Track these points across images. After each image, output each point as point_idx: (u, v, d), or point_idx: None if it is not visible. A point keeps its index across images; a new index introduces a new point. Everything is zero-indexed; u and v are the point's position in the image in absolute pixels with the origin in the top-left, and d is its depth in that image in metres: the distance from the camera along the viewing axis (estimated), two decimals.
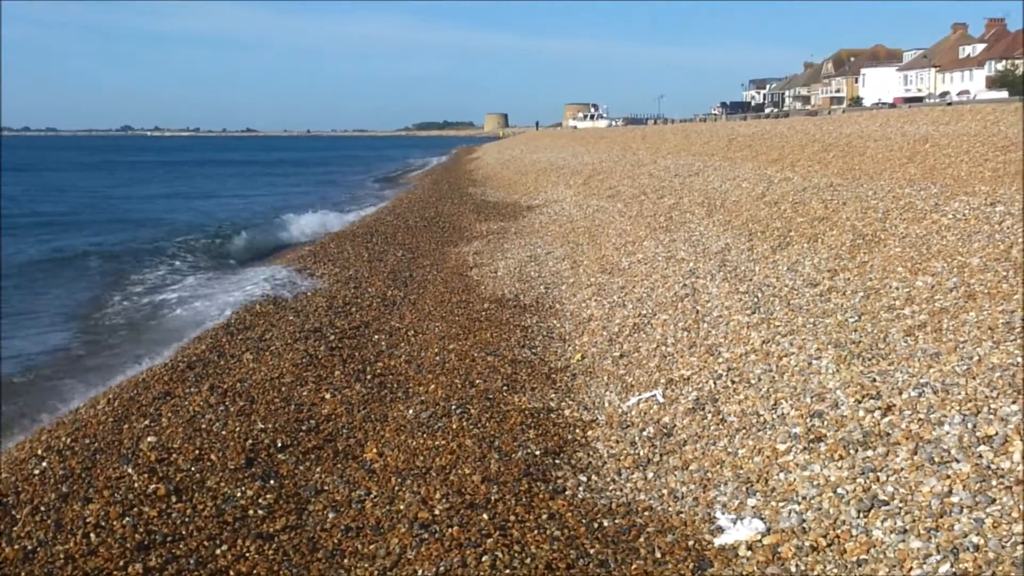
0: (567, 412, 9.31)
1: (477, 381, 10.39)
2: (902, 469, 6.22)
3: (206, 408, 9.60)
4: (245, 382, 10.52)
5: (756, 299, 11.02)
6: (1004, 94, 65.29)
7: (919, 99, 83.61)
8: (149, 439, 8.68)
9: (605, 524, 6.75)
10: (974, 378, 7.04)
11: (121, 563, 6.31)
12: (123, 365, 12.50)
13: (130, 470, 7.92)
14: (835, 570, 5.60)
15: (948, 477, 5.93)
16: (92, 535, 6.70)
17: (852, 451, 6.65)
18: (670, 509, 6.91)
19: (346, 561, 6.41)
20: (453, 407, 9.49)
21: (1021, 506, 5.42)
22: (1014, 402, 6.47)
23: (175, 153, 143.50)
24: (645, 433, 8.37)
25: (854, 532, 5.85)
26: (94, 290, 19.73)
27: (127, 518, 6.97)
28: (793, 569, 5.75)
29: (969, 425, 6.38)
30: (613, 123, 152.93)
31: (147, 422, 9.22)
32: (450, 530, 6.63)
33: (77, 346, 14.39)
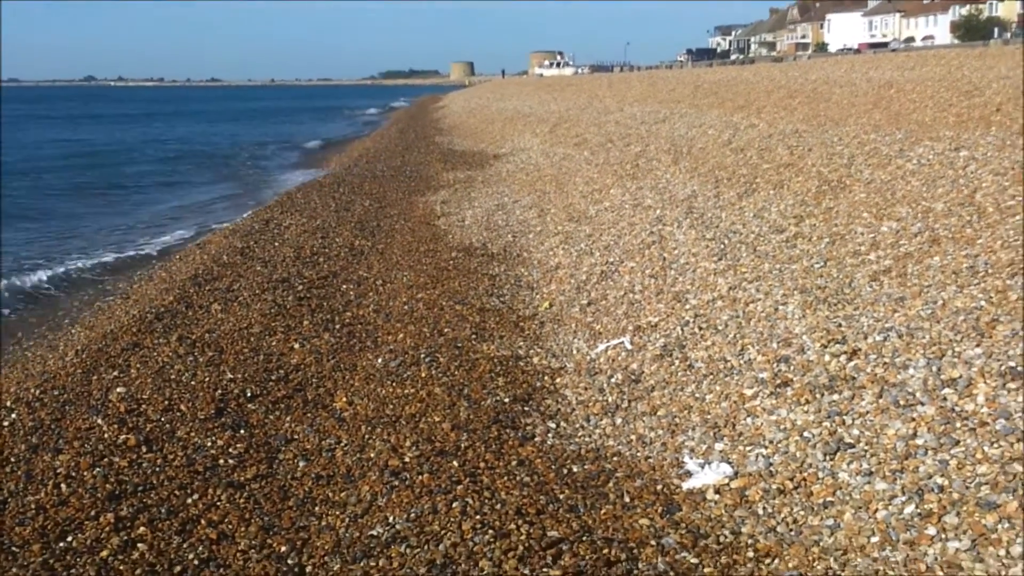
0: (535, 360, 9.35)
1: (446, 330, 10.41)
2: (867, 412, 6.29)
3: (175, 359, 9.59)
4: (214, 332, 10.50)
5: (723, 246, 11.06)
6: None
7: (884, 44, 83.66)
8: (118, 390, 8.66)
9: (574, 470, 6.80)
10: (938, 322, 7.11)
11: (92, 513, 6.31)
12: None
13: (100, 421, 7.91)
14: (802, 512, 5.67)
15: (913, 420, 6.00)
16: (63, 485, 6.69)
17: (818, 395, 6.72)
18: (638, 454, 6.96)
19: (317, 509, 6.43)
20: (422, 356, 9.51)
21: (985, 447, 5.50)
22: (978, 345, 6.55)
23: (154, 105, 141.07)
24: (613, 380, 8.42)
25: (820, 475, 5.92)
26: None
27: (97, 468, 6.96)
28: (760, 512, 5.82)
29: (933, 368, 6.45)
30: (579, 71, 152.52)
31: (116, 373, 9.20)
32: (420, 477, 6.66)
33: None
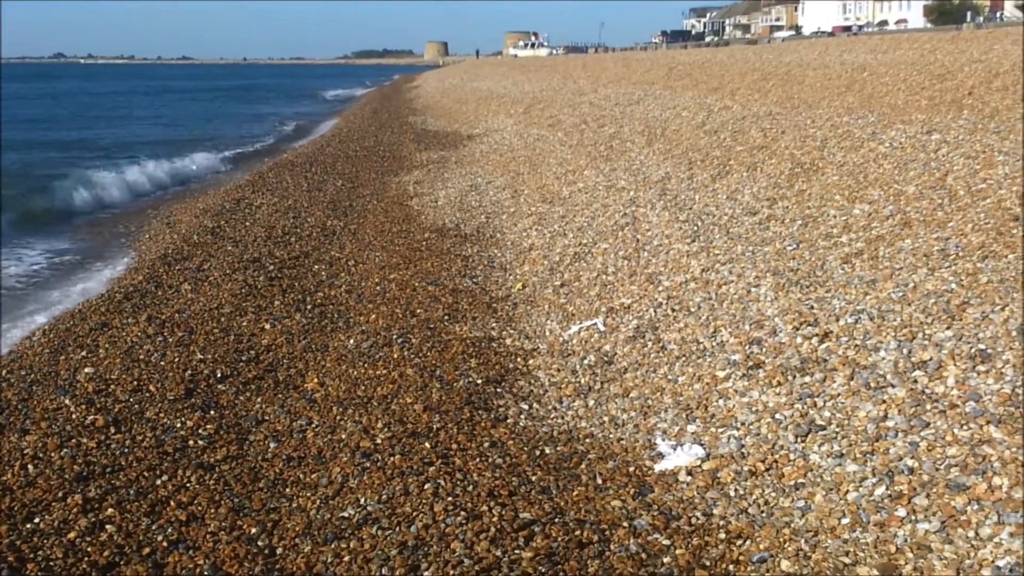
0: (508, 341, 9.33)
1: (418, 311, 10.38)
2: (839, 394, 6.31)
3: (144, 339, 9.52)
4: (183, 313, 10.43)
5: (696, 228, 11.06)
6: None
7: (858, 27, 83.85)
8: (86, 370, 8.59)
9: (547, 451, 6.80)
10: (909, 304, 7.13)
11: (60, 494, 6.25)
12: None
13: (67, 401, 7.84)
14: (773, 494, 5.69)
15: (884, 402, 6.02)
16: (30, 466, 6.63)
17: (790, 377, 6.73)
18: (611, 436, 6.96)
19: (288, 490, 6.40)
20: (394, 337, 9.48)
21: (955, 430, 5.52)
22: (948, 328, 6.57)
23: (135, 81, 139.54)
24: (586, 361, 8.42)
25: (792, 456, 5.93)
26: None
27: (65, 449, 6.90)
28: (732, 493, 5.83)
29: (904, 351, 6.47)
30: (554, 51, 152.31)
31: (84, 353, 9.13)
32: (392, 459, 6.64)
33: None
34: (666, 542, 5.40)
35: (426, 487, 6.16)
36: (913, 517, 5.04)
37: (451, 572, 5.21)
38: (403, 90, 75.18)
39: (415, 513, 5.84)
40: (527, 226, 14.03)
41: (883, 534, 5.01)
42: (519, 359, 8.83)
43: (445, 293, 11.06)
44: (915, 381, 6.12)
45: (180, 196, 21.79)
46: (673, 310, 8.83)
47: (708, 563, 5.18)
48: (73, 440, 7.09)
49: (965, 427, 5.51)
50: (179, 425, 7.45)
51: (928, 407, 5.82)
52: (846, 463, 5.65)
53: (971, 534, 4.77)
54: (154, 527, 5.91)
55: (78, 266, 14.69)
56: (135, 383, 8.29)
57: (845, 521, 5.22)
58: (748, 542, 5.30)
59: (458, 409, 7.60)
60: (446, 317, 10.12)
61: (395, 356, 8.93)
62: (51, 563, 5.50)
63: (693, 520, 5.63)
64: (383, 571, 5.29)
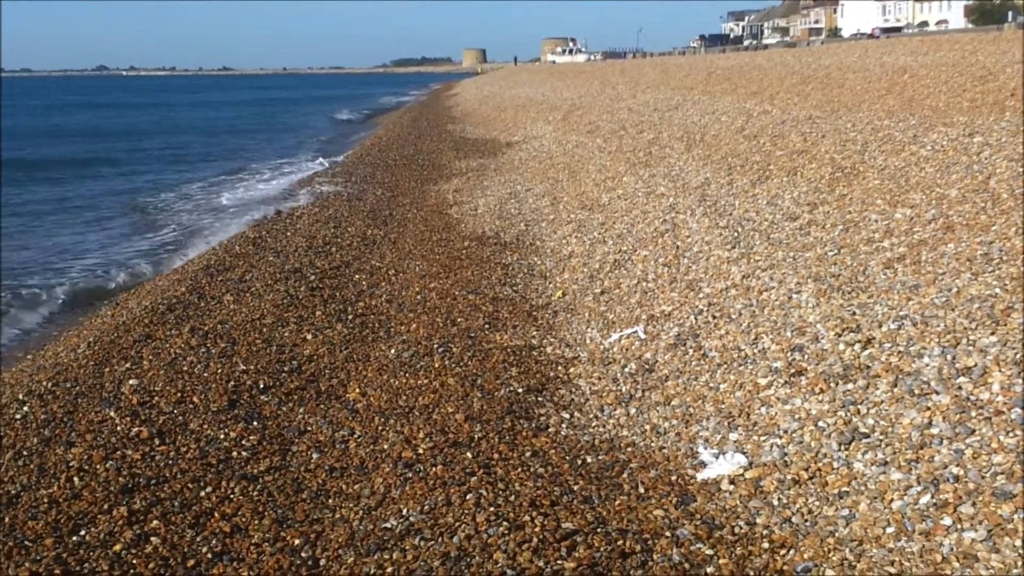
0: (549, 349, 9.33)
1: (459, 319, 10.39)
2: (882, 402, 6.26)
3: (187, 350, 9.59)
4: (226, 324, 10.50)
5: (736, 234, 11.01)
6: None
7: (897, 29, 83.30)
8: (131, 382, 8.67)
9: (588, 460, 6.79)
10: (953, 310, 7.07)
11: (105, 506, 6.31)
12: None
13: (112, 413, 7.91)
14: (816, 503, 5.65)
15: (928, 409, 5.97)
16: (76, 479, 6.70)
17: (832, 384, 6.69)
18: (652, 444, 6.94)
19: (331, 501, 6.44)
20: (435, 346, 9.50)
21: (1000, 436, 5.47)
22: (992, 333, 6.50)
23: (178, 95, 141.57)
24: (627, 369, 8.40)
25: (835, 465, 5.89)
26: None
27: (110, 461, 6.97)
28: (775, 502, 5.80)
29: (948, 357, 6.41)
30: (592, 57, 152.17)
31: (128, 365, 9.21)
32: (434, 469, 6.65)
33: None
34: (709, 552, 5.38)
35: (468, 497, 6.16)
36: (959, 526, 4.99)
37: None
38: (442, 98, 75.40)
39: (457, 524, 5.84)
40: (566, 233, 14.03)
41: (929, 543, 4.96)
42: (560, 367, 8.82)
43: (485, 302, 11.08)
44: (959, 388, 6.06)
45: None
46: (714, 317, 8.80)
47: (752, 573, 5.15)
48: (118, 452, 7.15)
49: (1011, 434, 5.45)
50: (222, 436, 7.50)
51: (973, 414, 5.76)
52: (890, 471, 5.61)
53: (1018, 543, 4.72)
54: (198, 539, 5.95)
55: None
56: (179, 395, 8.36)
57: (890, 530, 5.18)
58: (792, 551, 5.27)
59: (499, 418, 7.60)
60: (486, 326, 10.13)
61: (436, 365, 8.95)
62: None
63: (736, 529, 5.61)
64: None
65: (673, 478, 6.36)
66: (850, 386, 6.58)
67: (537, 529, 5.71)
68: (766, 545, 5.38)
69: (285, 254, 14.22)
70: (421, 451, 7.00)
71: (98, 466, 6.90)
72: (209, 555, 5.77)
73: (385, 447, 7.16)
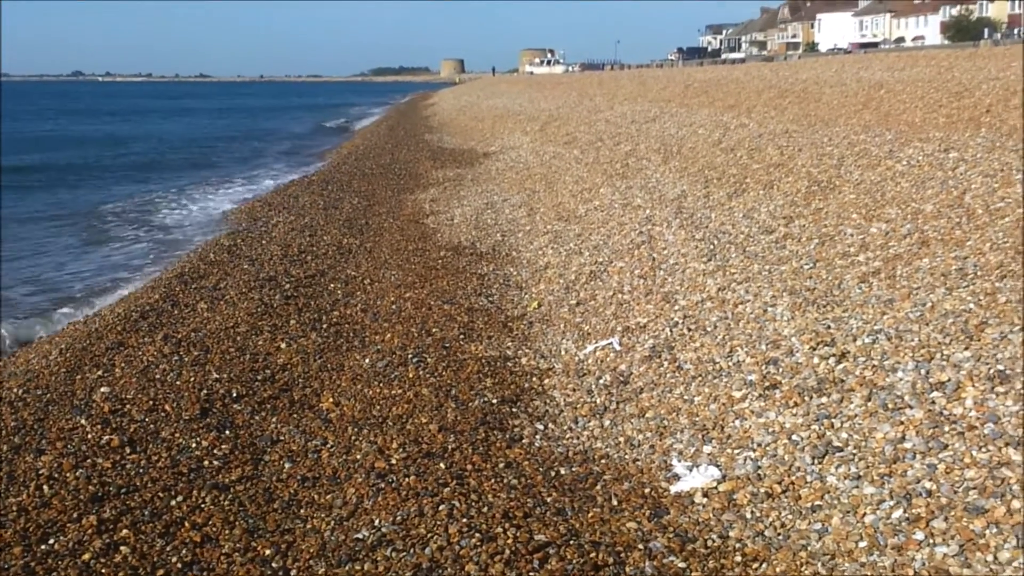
0: (524, 360, 9.31)
1: (434, 329, 10.36)
2: (856, 416, 6.27)
3: (160, 358, 9.52)
4: (199, 332, 10.44)
5: (712, 246, 11.02)
6: None
7: (874, 44, 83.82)
8: (102, 390, 8.60)
9: (562, 472, 6.77)
10: (927, 324, 7.09)
11: (75, 515, 6.25)
12: None
13: (83, 421, 7.85)
14: (789, 516, 5.65)
15: (901, 423, 5.98)
16: (45, 487, 6.63)
17: (807, 398, 6.69)
18: (626, 457, 6.93)
19: (303, 511, 6.39)
20: (409, 356, 9.47)
21: (973, 451, 5.48)
22: (966, 348, 6.53)
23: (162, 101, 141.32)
24: (602, 381, 8.39)
25: (808, 478, 5.89)
26: None
27: (80, 470, 6.91)
28: (748, 516, 5.79)
29: (922, 371, 6.43)
30: (570, 69, 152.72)
31: (100, 372, 9.14)
32: (407, 479, 6.62)
33: None
34: (682, 564, 5.37)
35: (441, 508, 6.14)
36: (931, 540, 5.00)
37: None
38: (419, 107, 75.36)
39: (430, 535, 5.82)
40: (543, 244, 14.02)
41: (901, 558, 4.96)
42: (534, 379, 8.81)
43: (461, 312, 11.05)
44: (933, 402, 6.07)
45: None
46: (689, 329, 8.80)
47: None
48: (88, 460, 7.09)
49: (984, 449, 5.47)
50: (194, 445, 7.44)
51: (946, 428, 5.78)
52: (863, 485, 5.61)
53: (990, 558, 4.73)
54: (168, 548, 5.89)
55: None
56: (151, 403, 8.29)
57: (863, 544, 5.18)
58: (765, 565, 5.26)
59: (473, 429, 7.57)
60: (461, 336, 10.11)
61: (410, 376, 8.92)
62: None
63: (709, 542, 5.60)
64: None
65: (646, 491, 6.35)
66: (824, 400, 6.59)
67: (510, 541, 5.69)
68: (739, 558, 5.38)
69: (260, 262, 14.16)
70: (394, 461, 6.96)
71: (68, 474, 6.83)
72: (179, 565, 5.71)
73: (358, 457, 7.12)
